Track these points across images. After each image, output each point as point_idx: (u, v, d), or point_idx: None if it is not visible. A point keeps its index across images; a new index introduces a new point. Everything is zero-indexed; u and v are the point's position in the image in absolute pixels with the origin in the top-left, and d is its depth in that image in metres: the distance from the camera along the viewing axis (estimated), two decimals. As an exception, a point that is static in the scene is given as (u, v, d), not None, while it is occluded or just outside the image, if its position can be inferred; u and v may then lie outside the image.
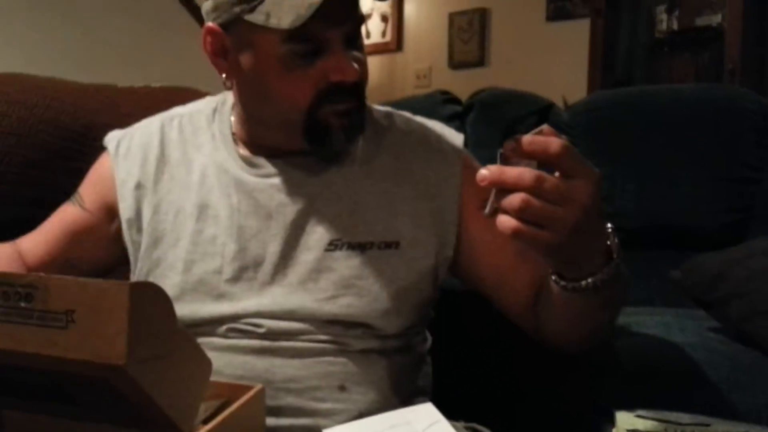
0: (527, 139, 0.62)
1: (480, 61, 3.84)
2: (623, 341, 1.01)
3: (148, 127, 0.98)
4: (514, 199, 0.61)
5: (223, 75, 0.89)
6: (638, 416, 0.88)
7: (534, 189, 0.61)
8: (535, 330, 0.90)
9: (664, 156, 1.42)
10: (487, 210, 0.65)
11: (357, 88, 0.85)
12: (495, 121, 1.47)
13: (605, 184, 1.41)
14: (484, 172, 0.62)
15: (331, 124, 0.84)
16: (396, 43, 4.25)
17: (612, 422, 0.88)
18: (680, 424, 0.87)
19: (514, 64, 3.60)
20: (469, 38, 3.87)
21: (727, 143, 1.41)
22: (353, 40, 0.84)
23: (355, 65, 0.83)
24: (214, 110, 0.98)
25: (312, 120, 0.84)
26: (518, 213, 0.61)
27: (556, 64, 3.42)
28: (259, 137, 0.92)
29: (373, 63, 4.25)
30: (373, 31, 4.27)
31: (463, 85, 1.98)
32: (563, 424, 1.03)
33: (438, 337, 0.99)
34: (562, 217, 0.62)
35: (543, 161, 0.62)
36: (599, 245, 0.69)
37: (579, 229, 0.63)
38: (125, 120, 1.16)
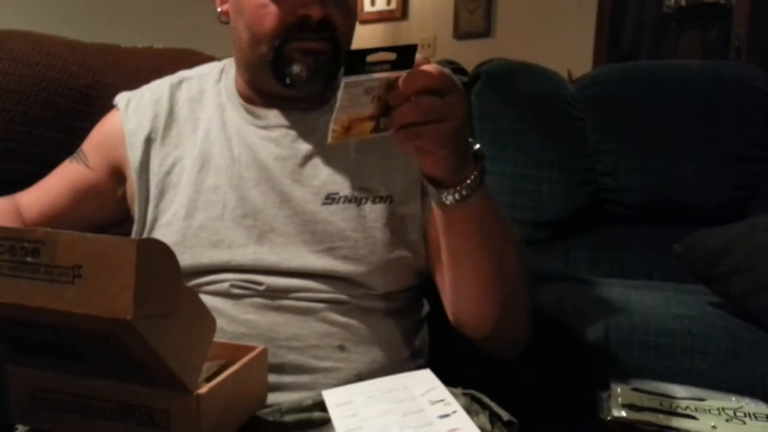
0: (409, 77, 0.66)
1: (486, 32, 3.79)
2: (622, 313, 1.02)
3: (157, 87, 1.01)
4: (415, 105, 0.66)
5: (219, 9, 0.95)
6: (634, 389, 0.90)
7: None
8: (448, 309, 0.90)
9: (669, 132, 1.41)
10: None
11: (327, 30, 0.87)
12: (501, 92, 1.46)
13: (610, 159, 1.43)
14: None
15: (294, 60, 0.87)
16: (401, 11, 4.20)
17: (608, 393, 0.89)
18: (675, 398, 0.88)
19: (520, 36, 3.56)
20: (475, 8, 3.82)
21: (734, 121, 1.41)
22: None
23: (321, 5, 0.86)
24: (222, 70, 1.01)
25: (278, 54, 0.87)
26: (421, 113, 0.67)
27: (562, 36, 3.38)
28: (252, 82, 0.95)
29: (378, 31, 4.24)
30: (379, -2, 4.23)
31: (468, 55, 1.97)
32: (559, 394, 1.04)
33: (435, 306, 0.99)
34: (456, 101, 0.68)
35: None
36: (469, 150, 0.75)
37: (465, 115, 0.71)
38: (129, 80, 1.15)
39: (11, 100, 1.11)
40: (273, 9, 0.86)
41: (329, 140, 0.68)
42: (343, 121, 0.66)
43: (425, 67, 0.67)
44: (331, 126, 0.66)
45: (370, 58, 0.63)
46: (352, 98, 0.65)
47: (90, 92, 1.17)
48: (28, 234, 0.53)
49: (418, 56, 0.67)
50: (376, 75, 0.64)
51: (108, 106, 1.03)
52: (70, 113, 1.15)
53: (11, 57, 1.13)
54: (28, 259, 0.53)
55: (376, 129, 0.68)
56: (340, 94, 0.63)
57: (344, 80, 0.63)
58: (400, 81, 0.66)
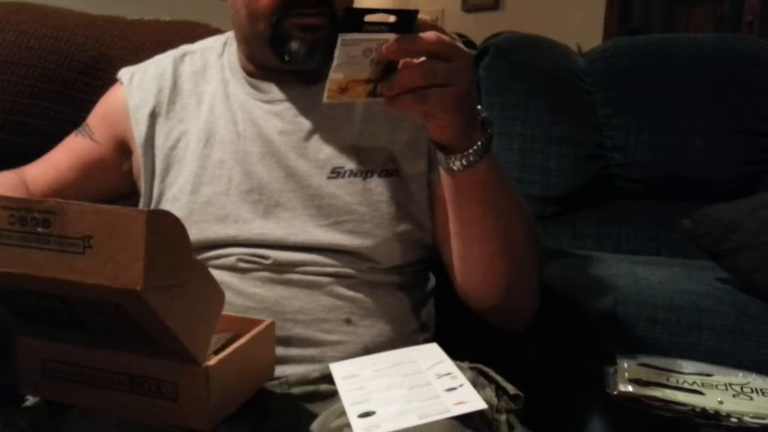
0: (411, 37, 0.65)
1: (494, 5, 3.76)
2: (629, 288, 1.02)
3: (161, 61, 1.01)
4: (419, 68, 0.66)
5: None
6: (641, 364, 0.90)
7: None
8: (455, 280, 0.90)
9: (680, 106, 1.40)
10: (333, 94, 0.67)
11: (325, 4, 0.86)
12: (510, 65, 1.45)
13: (619, 133, 1.42)
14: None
15: (292, 36, 0.86)
16: (408, -16, 4.18)
17: (615, 368, 0.90)
18: (682, 373, 0.88)
19: (529, 9, 3.53)
20: (484, -20, 3.79)
21: (745, 95, 1.39)
22: None
23: None
24: (225, 44, 1.01)
25: (276, 30, 0.86)
26: (426, 77, 0.66)
27: (571, 9, 3.35)
28: (252, 56, 0.95)
29: (384, 4, 4.20)
30: (386, -29, 4.19)
31: (477, 28, 1.95)
32: (565, 369, 1.05)
33: (441, 280, 0.99)
34: (461, 67, 0.68)
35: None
36: (476, 117, 0.75)
37: (471, 78, 0.71)
38: (135, 53, 1.15)
39: (18, 72, 1.11)
40: None
41: (324, 98, 0.67)
42: (340, 81, 0.66)
43: (427, 34, 0.66)
44: (327, 84, 0.66)
45: (368, 18, 0.62)
46: (349, 57, 0.64)
47: (97, 65, 1.17)
48: (38, 204, 0.53)
49: (425, 17, 0.66)
50: (375, 36, 0.63)
51: (115, 80, 1.02)
52: (76, 86, 1.15)
53: (18, 29, 1.13)
54: (39, 229, 0.53)
55: (373, 93, 0.68)
56: (336, 51, 0.63)
57: (341, 37, 0.62)
58: (400, 39, 0.65)
